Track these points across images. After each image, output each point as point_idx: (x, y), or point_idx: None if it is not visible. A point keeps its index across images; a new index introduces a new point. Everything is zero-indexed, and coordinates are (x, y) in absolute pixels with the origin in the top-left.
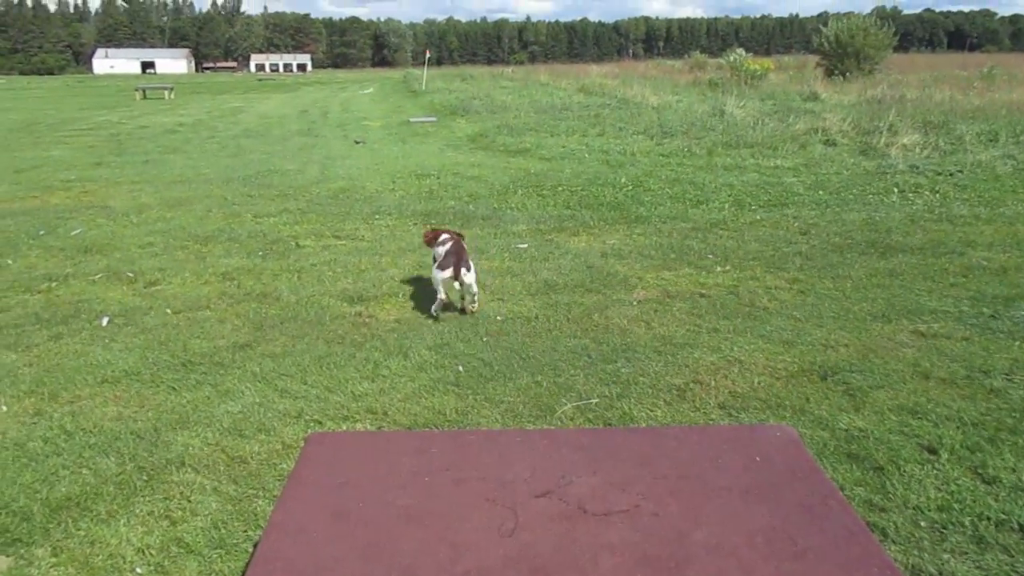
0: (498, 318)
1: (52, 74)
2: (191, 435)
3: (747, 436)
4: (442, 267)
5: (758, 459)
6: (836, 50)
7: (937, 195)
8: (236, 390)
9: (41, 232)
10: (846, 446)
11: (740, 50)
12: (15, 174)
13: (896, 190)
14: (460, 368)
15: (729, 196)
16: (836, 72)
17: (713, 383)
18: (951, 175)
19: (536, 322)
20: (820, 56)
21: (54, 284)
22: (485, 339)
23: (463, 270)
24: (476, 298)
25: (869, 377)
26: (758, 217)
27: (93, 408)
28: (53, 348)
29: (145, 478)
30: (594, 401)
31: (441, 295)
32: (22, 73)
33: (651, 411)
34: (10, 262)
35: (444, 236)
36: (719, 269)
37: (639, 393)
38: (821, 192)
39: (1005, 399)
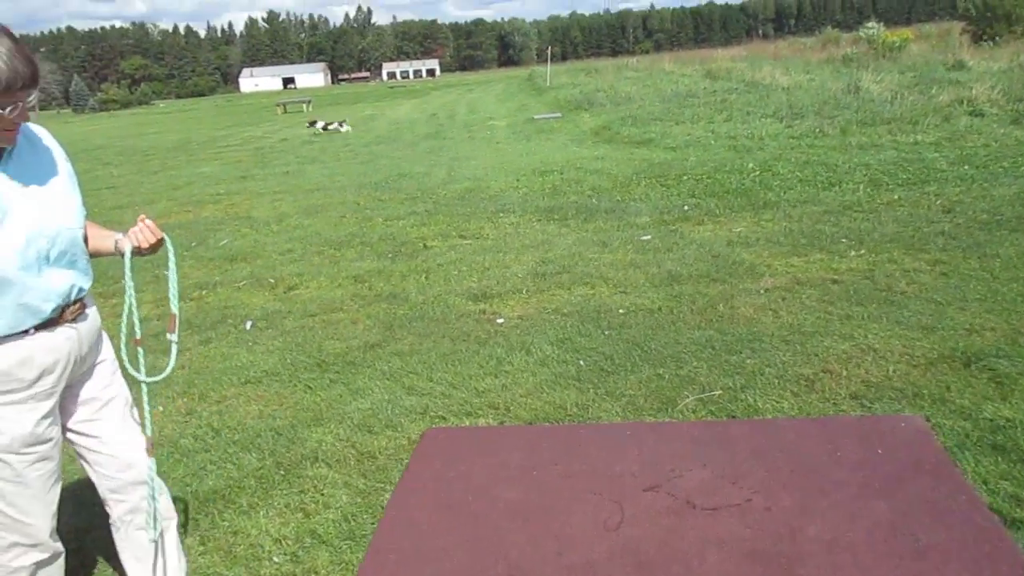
0: (620, 311)
1: (204, 95)
2: (324, 431)
3: (870, 428)
4: None
5: (880, 451)
6: (984, 14)
7: None
8: (366, 388)
9: (193, 244)
10: (991, 437)
11: (872, 24)
12: (172, 191)
13: None
14: (581, 363)
15: (864, 176)
16: (984, 37)
17: (845, 372)
18: None
19: (659, 314)
20: (966, 21)
21: (204, 292)
22: (607, 333)
23: None
24: None
25: (1019, 363)
26: (896, 197)
27: (237, 407)
28: (203, 352)
29: (282, 473)
30: (717, 393)
31: None
32: (178, 96)
33: (777, 403)
34: (167, 273)
35: None
36: (853, 253)
37: (764, 384)
38: (966, 167)
39: None
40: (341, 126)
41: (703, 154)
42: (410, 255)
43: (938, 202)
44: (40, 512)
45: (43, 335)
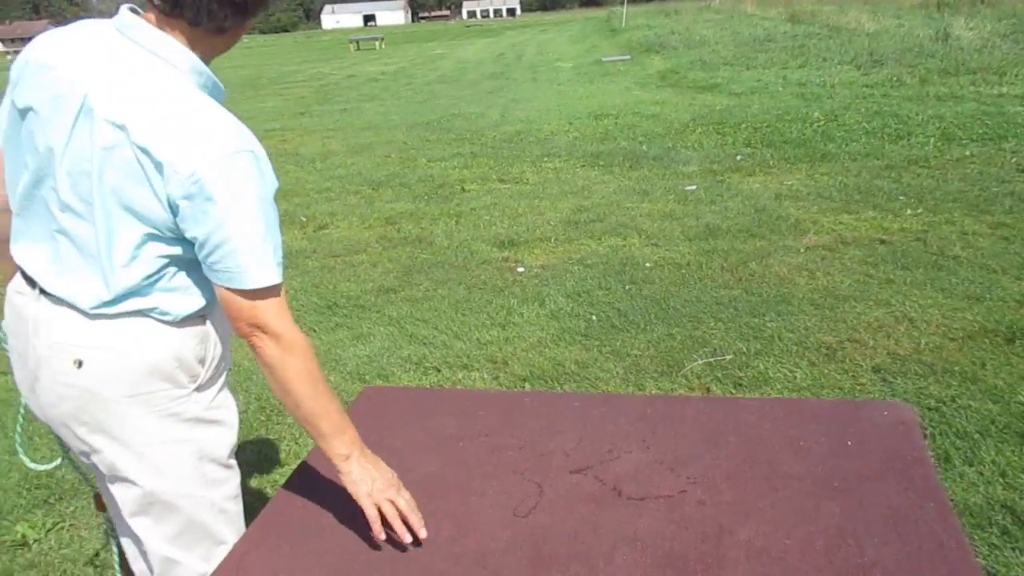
0: (647, 264)
1: (286, 31)
2: None
3: (845, 414)
4: None
5: (850, 443)
6: None
7: None
8: (369, 334)
9: None
10: (1019, 424)
11: None
12: None
13: None
14: (593, 318)
15: (937, 129)
16: None
17: (872, 342)
18: None
19: (686, 269)
20: None
21: None
22: (628, 287)
23: None
24: None
25: None
26: (968, 153)
27: (238, 347)
28: None
29: (263, 417)
30: (727, 358)
31: None
32: (261, 32)
33: (790, 372)
34: None
35: None
36: (908, 212)
37: (781, 351)
38: None
39: None
40: None
41: (768, 101)
42: (445, 198)
43: (1013, 160)
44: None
45: None
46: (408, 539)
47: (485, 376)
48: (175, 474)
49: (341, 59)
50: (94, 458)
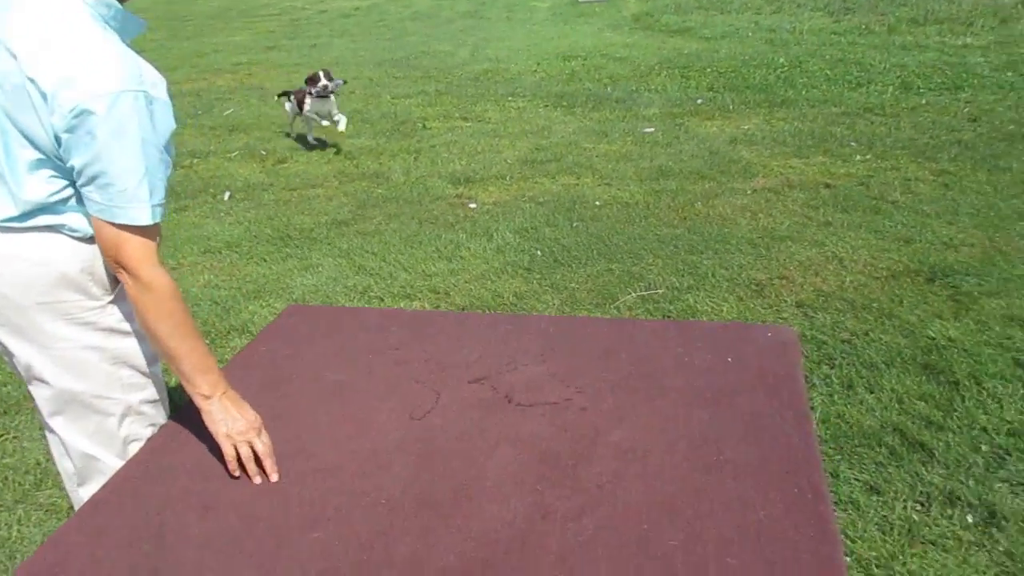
0: (596, 203)
1: None
2: (261, 304)
3: (732, 335)
4: None
5: (730, 360)
6: None
7: None
8: (318, 264)
9: (199, 112)
10: (924, 356)
11: None
12: (196, 58)
13: None
14: (538, 252)
15: (897, 78)
16: None
17: (800, 279)
18: None
19: (634, 208)
20: None
21: (196, 160)
22: (575, 224)
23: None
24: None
25: (986, 282)
26: (924, 101)
27: (190, 276)
28: (175, 219)
29: (208, 341)
30: (659, 292)
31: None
32: None
33: (718, 306)
34: None
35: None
36: (858, 158)
37: (713, 286)
38: (1009, 73)
39: None
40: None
41: (737, 46)
42: (406, 134)
43: (966, 109)
44: None
45: None
46: (258, 481)
47: (426, 306)
48: (89, 376)
49: None
50: (13, 360)
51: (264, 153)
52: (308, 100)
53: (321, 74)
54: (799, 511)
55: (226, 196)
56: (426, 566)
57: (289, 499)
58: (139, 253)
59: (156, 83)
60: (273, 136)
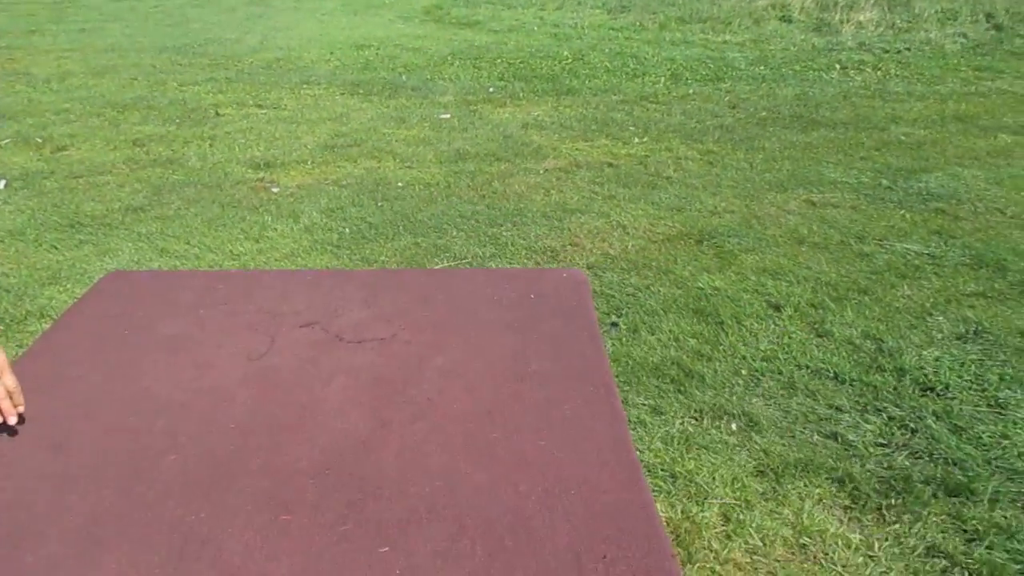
0: (399, 184)
1: None
2: (59, 289)
3: (534, 278)
4: None
5: (532, 296)
6: None
7: (878, 72)
8: (116, 249)
9: None
10: (695, 303)
11: None
12: None
13: (838, 67)
14: (345, 230)
15: (668, 70)
16: None
17: (589, 246)
18: (898, 52)
19: (435, 188)
20: None
21: None
22: (380, 204)
23: None
24: None
25: (744, 241)
26: (691, 91)
27: None
28: None
29: (2, 327)
30: (465, 261)
31: None
32: None
33: None
34: None
35: None
36: (636, 140)
37: (512, 254)
38: (762, 67)
39: (869, 262)
40: None
41: (524, 40)
42: (198, 121)
43: (727, 98)
44: None
45: None
46: (12, 421)
47: None
48: None
49: None
50: None
51: (40, 140)
52: None
53: None
54: (595, 403)
55: (1, 185)
56: (280, 472)
57: (139, 434)
58: None
59: None
60: (48, 123)
